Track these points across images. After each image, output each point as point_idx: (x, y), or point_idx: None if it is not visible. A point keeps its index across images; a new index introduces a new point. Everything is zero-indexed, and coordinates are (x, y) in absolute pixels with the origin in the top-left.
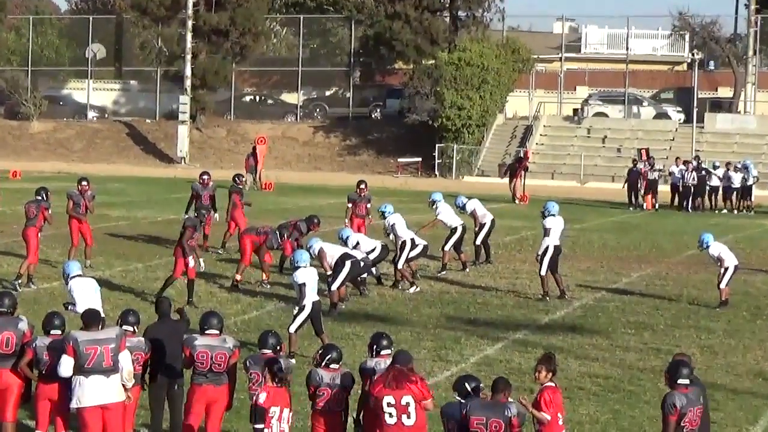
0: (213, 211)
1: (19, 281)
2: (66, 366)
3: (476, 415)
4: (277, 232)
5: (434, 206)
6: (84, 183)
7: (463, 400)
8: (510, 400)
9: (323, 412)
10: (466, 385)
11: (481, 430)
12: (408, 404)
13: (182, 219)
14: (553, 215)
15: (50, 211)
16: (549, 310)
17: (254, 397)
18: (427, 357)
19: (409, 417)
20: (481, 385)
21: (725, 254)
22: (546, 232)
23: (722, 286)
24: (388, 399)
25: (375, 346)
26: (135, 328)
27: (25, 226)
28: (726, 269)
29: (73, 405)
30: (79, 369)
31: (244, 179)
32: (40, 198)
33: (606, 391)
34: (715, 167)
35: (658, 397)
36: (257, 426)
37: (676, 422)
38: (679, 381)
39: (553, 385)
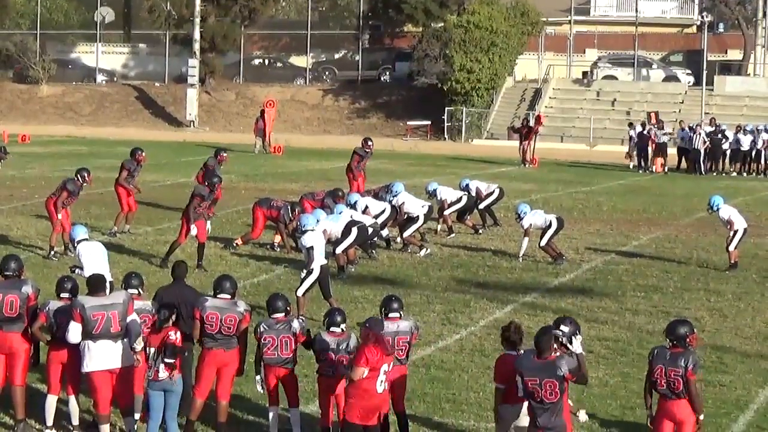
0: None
1: (55, 251)
2: (74, 332)
3: (530, 377)
4: (289, 207)
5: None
6: (141, 153)
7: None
8: (558, 354)
9: (328, 375)
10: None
11: (537, 391)
12: (387, 372)
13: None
14: (527, 213)
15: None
16: (558, 273)
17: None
18: (436, 320)
19: (387, 383)
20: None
21: (735, 217)
22: (527, 233)
23: (731, 248)
24: (384, 367)
25: (384, 309)
26: (140, 290)
27: (50, 197)
28: (735, 232)
29: (83, 369)
30: (87, 334)
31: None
32: (78, 179)
33: (615, 354)
34: (759, 130)
35: None
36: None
37: (647, 374)
38: (667, 337)
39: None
